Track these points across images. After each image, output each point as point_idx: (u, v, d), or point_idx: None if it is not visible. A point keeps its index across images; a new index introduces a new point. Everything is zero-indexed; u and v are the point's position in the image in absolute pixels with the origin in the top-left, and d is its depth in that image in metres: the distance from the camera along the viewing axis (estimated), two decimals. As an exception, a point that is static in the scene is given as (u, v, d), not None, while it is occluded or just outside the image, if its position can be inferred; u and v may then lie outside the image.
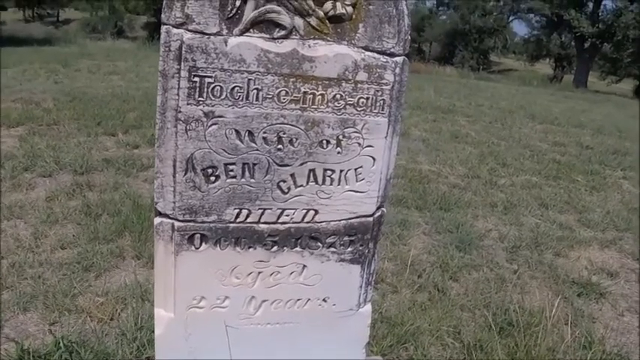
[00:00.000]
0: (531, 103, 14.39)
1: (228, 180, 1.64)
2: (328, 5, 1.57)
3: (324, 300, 1.94)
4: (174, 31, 1.48)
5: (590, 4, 33.61)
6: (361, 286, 1.98)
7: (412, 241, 4.32)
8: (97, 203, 4.37)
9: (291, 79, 1.59)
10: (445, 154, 7.34)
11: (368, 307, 2.06)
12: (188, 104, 1.53)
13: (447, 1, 48.72)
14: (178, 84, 1.51)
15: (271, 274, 1.83)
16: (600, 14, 33.36)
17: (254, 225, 1.73)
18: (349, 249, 1.88)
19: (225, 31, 1.51)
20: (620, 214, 5.56)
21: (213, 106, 1.55)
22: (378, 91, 1.68)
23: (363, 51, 1.63)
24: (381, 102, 1.70)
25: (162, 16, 1.50)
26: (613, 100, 22.43)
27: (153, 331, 2.55)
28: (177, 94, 1.52)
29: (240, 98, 1.56)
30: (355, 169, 1.75)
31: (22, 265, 3.37)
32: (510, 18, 44.84)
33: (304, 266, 1.85)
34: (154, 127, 4.93)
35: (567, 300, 3.66)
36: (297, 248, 1.82)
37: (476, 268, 3.98)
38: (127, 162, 5.48)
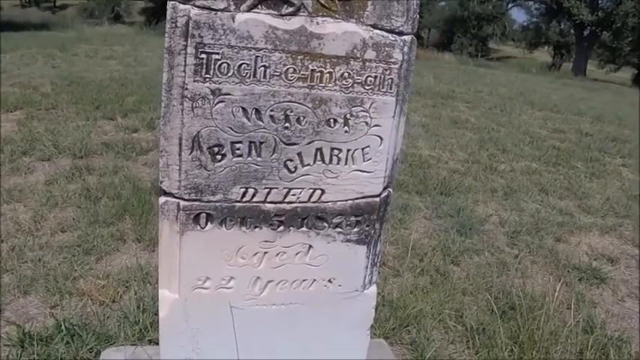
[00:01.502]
0: (530, 91, 14.37)
1: (234, 159, 1.62)
2: (337, -18, 1.55)
3: (329, 281, 1.93)
4: (181, 6, 1.46)
5: (590, -8, 33.55)
6: (367, 267, 1.97)
7: (413, 225, 4.31)
8: (97, 187, 4.35)
9: (299, 57, 1.56)
10: (445, 139, 7.33)
11: (373, 288, 2.05)
12: (195, 81, 1.51)
13: (446, -13, 48.56)
14: (185, 61, 1.49)
15: (277, 255, 1.81)
16: (600, 2, 33.31)
17: (260, 204, 1.72)
18: (355, 229, 1.87)
19: (232, 7, 1.49)
20: (620, 201, 5.57)
21: (220, 83, 1.53)
22: (386, 69, 1.66)
23: (372, 29, 1.61)
24: (389, 81, 1.68)
25: (169, -9, 1.47)
26: (612, 88, 22.43)
27: (156, 314, 2.56)
28: (184, 71, 1.50)
29: (248, 75, 1.54)
30: (362, 149, 1.74)
31: (22, 248, 3.36)
32: (509, 5, 44.72)
33: (310, 246, 1.84)
34: (152, 110, 4.96)
35: (568, 285, 3.66)
36: (304, 228, 1.80)
37: (477, 252, 3.98)
38: (126, 146, 5.45)
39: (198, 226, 1.69)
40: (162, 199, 1.66)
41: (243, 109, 1.57)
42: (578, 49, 34.90)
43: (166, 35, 1.48)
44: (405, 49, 1.66)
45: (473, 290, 3.40)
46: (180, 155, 1.59)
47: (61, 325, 2.59)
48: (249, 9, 1.50)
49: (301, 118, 1.63)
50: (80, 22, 25.43)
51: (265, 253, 1.80)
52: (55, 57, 10.96)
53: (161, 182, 1.64)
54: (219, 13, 1.48)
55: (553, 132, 8.86)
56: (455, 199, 4.99)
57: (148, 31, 19.82)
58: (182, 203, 1.65)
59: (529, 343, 2.77)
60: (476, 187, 5.47)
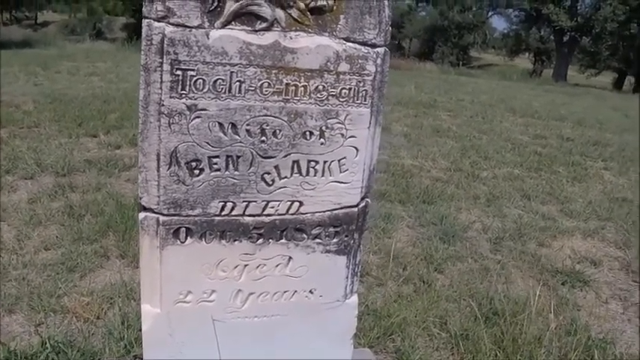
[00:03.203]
0: (512, 97, 14.48)
1: (212, 173, 1.64)
2: (309, -3, 1.57)
3: (310, 292, 1.94)
4: (156, 24, 1.48)
5: (569, -2, 33.92)
6: (347, 277, 1.99)
7: (396, 234, 4.33)
8: (80, 204, 4.35)
9: (274, 71, 1.59)
10: (427, 148, 7.37)
11: (354, 298, 2.07)
12: (171, 97, 1.53)
13: (426, -3, 48.87)
14: (161, 77, 1.51)
15: (257, 267, 1.83)
16: (579, 8, 33.66)
17: (239, 218, 1.73)
18: (334, 240, 1.89)
19: (206, 24, 1.51)
20: (602, 204, 5.62)
21: (196, 99, 1.55)
22: (360, 81, 1.69)
23: (345, 42, 1.64)
24: (363, 92, 1.70)
25: (144, 9, 1.50)
26: (593, 92, 22.61)
27: (140, 329, 2.56)
28: (160, 88, 1.52)
29: (223, 91, 1.56)
30: (339, 160, 1.76)
31: (6, 267, 3.35)
32: (489, 13, 45.12)
33: (290, 258, 1.86)
34: (134, 127, 4.94)
35: (551, 289, 3.70)
36: (283, 240, 1.82)
37: (460, 259, 4.00)
38: (109, 162, 5.45)
39: (178, 241, 1.71)
40: (141, 215, 1.68)
41: (220, 124, 1.59)
42: (558, 55, 35.23)
43: (142, 52, 1.51)
44: (379, 60, 1.69)
45: (457, 297, 3.42)
46: (158, 171, 1.60)
47: (45, 343, 2.58)
48: (223, 25, 1.53)
49: (277, 131, 1.65)
50: (62, 38, 25.34)
51: (246, 265, 1.81)
52: (38, 75, 10.94)
53: (140, 198, 1.66)
54: (193, 30, 1.50)
55: (534, 138, 8.93)
56: (438, 207, 5.02)
57: (130, 47, 19.77)
58: (161, 218, 1.66)
59: (513, 348, 2.80)
60: (458, 194, 5.51)
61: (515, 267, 3.99)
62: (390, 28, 1.72)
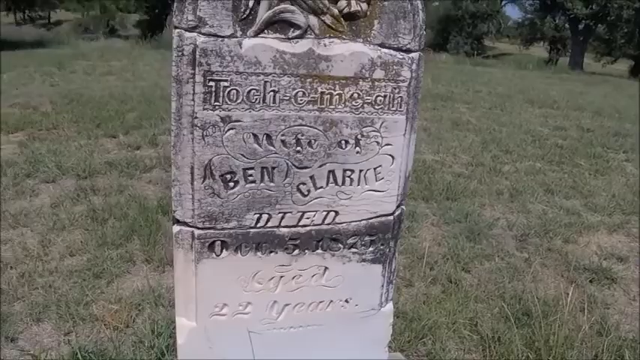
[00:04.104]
0: (529, 87, 14.37)
1: (247, 185, 1.62)
2: (343, 3, 1.54)
3: (346, 301, 1.92)
4: (187, 34, 1.45)
5: (584, -15, 33.53)
6: (383, 286, 1.96)
7: (422, 232, 4.30)
8: (103, 207, 4.34)
9: (308, 80, 1.56)
10: (447, 142, 7.32)
11: (389, 305, 2.04)
12: (204, 109, 1.50)
13: (439, -13, 48.59)
14: (193, 89, 1.48)
15: (293, 278, 1.81)
16: (594, -5, 33.27)
17: (275, 229, 1.71)
18: (370, 249, 1.86)
19: (239, 33, 1.48)
20: (626, 198, 5.55)
21: (229, 110, 1.52)
22: (395, 88, 1.65)
23: (379, 48, 1.61)
24: (399, 99, 1.67)
25: (174, 19, 1.47)
26: (610, 80, 22.39)
27: (170, 337, 2.55)
28: (193, 100, 1.49)
29: (257, 101, 1.53)
30: (374, 169, 1.73)
31: (31, 274, 3.34)
32: (503, 2, 44.74)
33: (326, 268, 1.83)
34: (154, 126, 4.96)
35: (580, 287, 3.64)
36: (319, 250, 1.80)
37: (487, 257, 3.96)
38: (129, 164, 5.44)
39: (214, 254, 1.68)
40: (176, 228, 1.65)
41: (254, 135, 1.56)
42: (574, 43, 34.87)
43: (173, 64, 1.48)
44: (414, 66, 1.66)
45: (485, 297, 3.38)
46: (192, 184, 1.58)
47: (77, 354, 2.57)
48: (256, 34, 1.50)
49: (312, 141, 1.62)
50: (76, 37, 25.44)
51: (281, 277, 1.79)
52: (53, 75, 10.98)
53: (174, 211, 1.63)
54: (225, 39, 1.47)
55: (554, 129, 8.84)
56: (461, 203, 4.98)
57: (145, 44, 19.84)
58: (196, 232, 1.64)
59: (545, 349, 2.76)
60: (481, 190, 5.46)
61: (542, 265, 3.94)
62: (425, 32, 1.68)
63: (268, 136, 1.58)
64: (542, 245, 4.24)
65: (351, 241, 1.82)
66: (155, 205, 4.32)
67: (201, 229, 1.64)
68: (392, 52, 1.62)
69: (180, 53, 1.46)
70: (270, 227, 1.70)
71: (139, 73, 11.77)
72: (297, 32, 1.53)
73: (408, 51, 1.64)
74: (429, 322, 2.96)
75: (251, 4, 1.47)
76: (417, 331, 2.91)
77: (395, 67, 1.63)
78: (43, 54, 15.20)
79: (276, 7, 1.49)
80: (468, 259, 3.86)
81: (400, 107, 1.68)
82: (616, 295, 3.63)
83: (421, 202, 4.96)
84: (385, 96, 1.65)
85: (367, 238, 1.84)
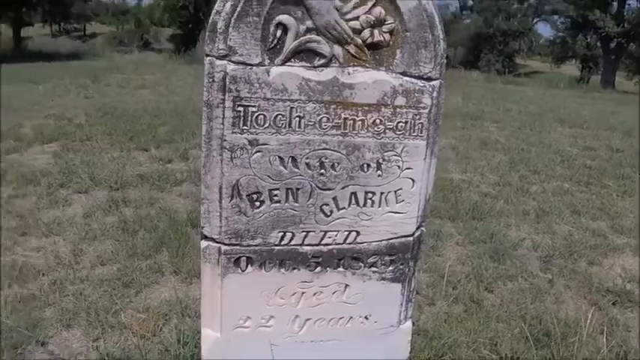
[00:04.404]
0: (560, 106, 14.27)
1: (272, 205, 1.70)
2: (366, 33, 1.61)
3: (365, 317, 1.98)
4: (218, 62, 1.54)
5: (615, 4, 33.26)
6: (402, 304, 2.02)
7: (446, 251, 4.33)
8: (134, 219, 4.45)
9: (332, 106, 1.64)
10: (475, 162, 7.33)
11: (408, 323, 2.10)
12: (233, 133, 1.59)
13: (471, 4, 48.60)
14: (223, 113, 1.57)
15: (314, 294, 1.87)
16: (625, 14, 32.98)
17: (298, 247, 1.78)
18: (390, 268, 1.92)
19: (267, 62, 1.57)
20: (654, 220, 5.52)
21: (257, 134, 1.60)
22: (416, 114, 1.72)
23: (401, 76, 1.68)
24: (420, 125, 1.74)
25: (206, 47, 1.55)
26: (642, 100, 22.12)
27: (195, 347, 2.63)
28: (222, 124, 1.58)
29: (283, 126, 1.62)
30: (395, 191, 1.80)
31: (63, 282, 3.45)
32: (535, 20, 44.57)
33: (347, 285, 1.90)
34: (185, 140, 5.06)
35: (602, 309, 3.65)
36: (340, 268, 1.86)
37: (510, 278, 3.98)
38: (160, 177, 5.56)
39: (239, 269, 1.76)
40: (203, 244, 1.74)
41: (280, 157, 1.64)
42: (605, 62, 34.57)
43: (204, 89, 1.56)
44: (434, 94, 1.73)
45: (507, 317, 3.40)
46: (220, 203, 1.66)
47: (104, 359, 2.66)
48: (283, 62, 1.58)
49: (336, 164, 1.69)
50: (110, 50, 25.92)
51: (303, 293, 1.86)
52: (88, 87, 11.22)
53: (202, 227, 1.72)
54: (254, 67, 1.56)
55: (584, 150, 8.80)
56: (487, 223, 5.00)
57: (178, 58, 20.13)
58: (223, 248, 1.72)
59: (564, 371, 2.79)
60: (508, 210, 5.47)
61: (565, 286, 3.95)
62: (445, 61, 1.75)
63: (293, 159, 1.66)
64: (566, 267, 4.25)
65: (371, 260, 1.89)
66: (185, 219, 4.42)
67: (228, 245, 1.72)
68: (413, 80, 1.69)
69: (211, 79, 1.55)
70: (293, 245, 1.78)
71: (173, 87, 11.97)
72: (323, 61, 1.61)
73: (429, 79, 1.71)
74: (449, 341, 3.00)
75: (279, 34, 1.55)
76: (437, 349, 2.95)
77: (416, 94, 1.70)
78: (78, 66, 15.53)
79: (302, 38, 1.57)
80: (491, 279, 3.88)
81: (421, 133, 1.75)
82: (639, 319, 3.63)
83: (447, 222, 4.99)
84: (406, 122, 1.72)
85: (387, 258, 1.90)
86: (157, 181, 5.47)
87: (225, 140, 1.59)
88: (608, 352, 3.01)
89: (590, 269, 4.26)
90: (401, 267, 1.94)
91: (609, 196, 6.26)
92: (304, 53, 1.59)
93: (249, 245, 1.73)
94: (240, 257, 1.75)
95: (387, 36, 1.64)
